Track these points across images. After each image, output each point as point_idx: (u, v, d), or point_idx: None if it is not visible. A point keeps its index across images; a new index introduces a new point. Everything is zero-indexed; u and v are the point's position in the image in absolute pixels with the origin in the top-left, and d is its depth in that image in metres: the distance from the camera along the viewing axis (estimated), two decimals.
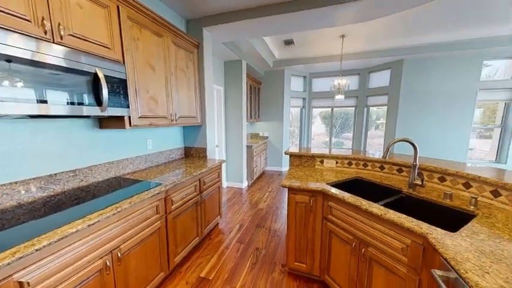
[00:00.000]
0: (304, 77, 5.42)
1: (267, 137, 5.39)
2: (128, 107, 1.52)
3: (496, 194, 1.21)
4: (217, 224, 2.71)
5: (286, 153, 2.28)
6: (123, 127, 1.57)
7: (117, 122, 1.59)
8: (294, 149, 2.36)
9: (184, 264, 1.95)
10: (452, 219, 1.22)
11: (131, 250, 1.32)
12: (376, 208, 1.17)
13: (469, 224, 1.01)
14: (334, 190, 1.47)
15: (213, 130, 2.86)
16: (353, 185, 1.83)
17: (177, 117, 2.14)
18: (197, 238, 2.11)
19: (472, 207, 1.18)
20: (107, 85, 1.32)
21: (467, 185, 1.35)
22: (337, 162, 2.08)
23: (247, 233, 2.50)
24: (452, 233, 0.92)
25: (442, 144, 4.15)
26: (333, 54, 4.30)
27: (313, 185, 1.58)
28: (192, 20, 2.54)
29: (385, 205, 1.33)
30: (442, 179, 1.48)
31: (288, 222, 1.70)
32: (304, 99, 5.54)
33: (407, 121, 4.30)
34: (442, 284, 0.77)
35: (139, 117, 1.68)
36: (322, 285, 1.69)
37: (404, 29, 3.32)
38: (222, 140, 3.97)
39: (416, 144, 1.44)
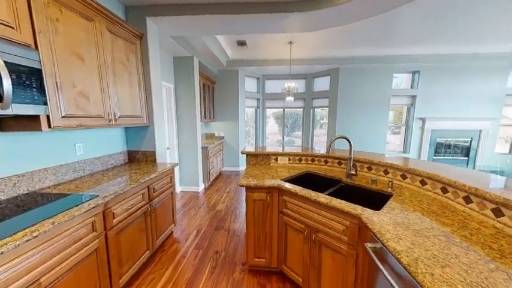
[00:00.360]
0: (258, 78, 5.61)
1: (223, 137, 5.32)
2: (46, 103, 1.22)
3: (404, 177, 1.57)
4: (172, 232, 2.51)
5: (242, 153, 2.31)
6: (39, 129, 1.25)
7: (29, 122, 1.26)
8: (250, 149, 2.41)
9: (133, 284, 1.72)
10: (378, 200, 1.50)
11: (58, 281, 1.07)
12: (323, 197, 1.33)
13: (387, 202, 1.27)
14: (288, 185, 1.59)
15: (163, 131, 2.62)
16: (304, 179, 2.02)
17: (116, 117, 1.85)
18: (148, 252, 1.89)
19: (390, 189, 1.49)
20: (10, 75, 1.02)
21: (386, 172, 1.69)
22: (289, 159, 2.24)
23: (206, 238, 2.41)
24: (377, 212, 1.14)
25: (368, 139, 5.06)
26: (282, 58, 4.62)
27: (269, 182, 1.66)
28: (132, 7, 2.25)
29: (330, 194, 1.52)
30: (369, 168, 1.81)
31: (247, 221, 1.73)
32: (258, 99, 5.73)
33: (344, 121, 5.04)
34: (372, 254, 0.94)
35: (64, 117, 1.37)
36: (280, 275, 1.80)
37: (340, 41, 3.88)
38: (174, 141, 3.68)
39: (351, 141, 1.71)
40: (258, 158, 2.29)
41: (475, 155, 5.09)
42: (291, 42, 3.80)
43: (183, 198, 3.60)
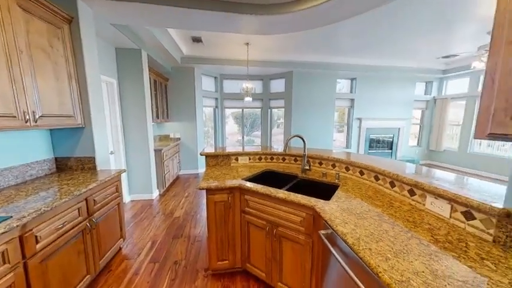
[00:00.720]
0: (215, 77, 5.48)
1: (179, 139, 4.98)
2: None
3: (347, 169, 1.82)
4: (120, 248, 2.19)
5: (201, 154, 2.21)
6: None
7: None
8: (210, 149, 2.34)
9: None
10: (328, 191, 1.69)
11: None
12: (282, 193, 1.41)
13: (336, 192, 1.44)
14: (249, 184, 1.61)
15: (105, 133, 2.26)
16: (264, 177, 2.09)
17: (37, 117, 1.49)
18: (88, 276, 1.60)
19: (337, 180, 1.70)
20: None
21: (333, 165, 1.92)
22: (250, 159, 2.28)
23: (163, 249, 2.20)
24: (328, 201, 1.28)
25: (319, 137, 5.64)
26: (240, 59, 4.65)
27: (230, 183, 1.65)
28: None
29: (288, 189, 1.62)
30: (320, 163, 2.02)
31: (209, 224, 1.67)
32: (216, 99, 5.61)
33: (298, 120, 5.47)
34: (325, 239, 1.06)
35: None
36: (244, 274, 1.81)
37: (292, 47, 4.17)
38: (120, 145, 3.22)
39: (304, 139, 1.87)
40: (218, 159, 2.24)
41: (396, 148, 6.34)
42: (247, 44, 3.86)
43: (133, 208, 3.20)
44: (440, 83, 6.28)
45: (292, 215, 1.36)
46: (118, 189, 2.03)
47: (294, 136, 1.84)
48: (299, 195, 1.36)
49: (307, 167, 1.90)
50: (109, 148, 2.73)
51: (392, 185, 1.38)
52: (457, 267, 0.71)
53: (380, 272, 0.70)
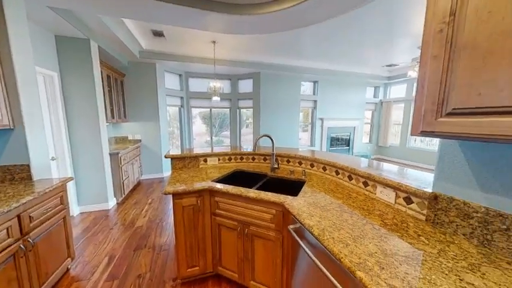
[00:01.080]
0: (180, 75, 5.19)
1: (140, 140, 4.56)
2: None
3: (312, 165, 1.95)
4: (68, 269, 1.89)
5: (166, 157, 2.07)
6: None
7: None
8: (176, 151, 2.20)
9: None
10: (296, 187, 1.78)
11: None
12: (252, 192, 1.42)
13: (302, 188, 1.53)
14: (219, 185, 1.58)
15: (43, 135, 1.91)
16: (234, 177, 2.07)
17: None
18: None
19: (303, 176, 1.80)
20: None
21: (300, 163, 2.03)
22: (219, 159, 2.23)
23: (122, 263, 1.98)
24: (296, 197, 1.35)
25: (286, 136, 5.89)
26: (206, 57, 4.51)
27: (199, 185, 1.58)
28: None
29: (258, 188, 1.64)
30: (288, 161, 2.11)
31: (176, 230, 1.57)
32: (182, 98, 5.32)
33: (266, 120, 5.60)
34: (293, 233, 1.11)
35: None
36: (216, 277, 1.77)
37: (259, 48, 4.25)
38: (65, 149, 2.77)
39: (273, 138, 1.92)
40: (185, 161, 2.13)
41: (352, 145, 7.09)
42: (214, 42, 3.77)
43: (84, 221, 2.79)
44: (385, 88, 7.27)
45: (263, 213, 1.38)
46: (63, 201, 1.74)
47: (263, 136, 1.88)
48: (269, 193, 1.39)
49: (276, 166, 1.97)
50: (50, 153, 2.32)
51: (350, 178, 1.54)
52: (401, 245, 0.83)
53: (342, 258, 0.77)
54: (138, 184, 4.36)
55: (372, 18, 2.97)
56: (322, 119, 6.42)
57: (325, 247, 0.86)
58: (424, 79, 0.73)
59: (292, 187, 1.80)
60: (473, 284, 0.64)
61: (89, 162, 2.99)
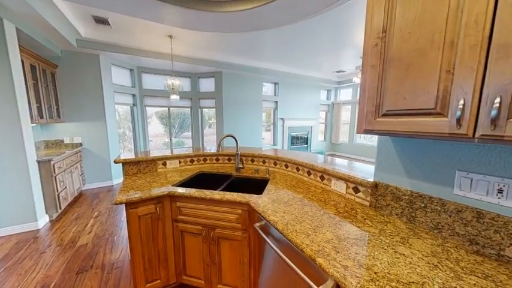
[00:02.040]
0: (131, 69, 4.66)
1: (81, 144, 3.89)
2: None
3: (275, 163, 2.03)
4: None
5: (116, 162, 1.83)
6: None
7: None
8: (128, 155, 1.97)
9: None
10: (261, 185, 1.82)
11: None
12: (217, 194, 1.39)
13: (267, 186, 1.58)
14: (181, 190, 1.48)
15: None
16: (197, 180, 1.98)
17: None
18: None
19: (267, 175, 1.86)
20: None
21: (264, 162, 2.09)
22: (180, 162, 2.10)
23: None
24: (260, 195, 1.38)
25: (250, 136, 5.98)
26: (162, 52, 4.17)
27: (158, 191, 1.46)
28: None
29: (223, 189, 1.62)
30: (252, 160, 2.15)
31: (132, 243, 1.41)
32: (134, 95, 4.78)
33: (230, 120, 5.55)
34: (259, 230, 1.14)
35: None
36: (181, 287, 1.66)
37: (220, 47, 4.17)
38: None
39: (236, 138, 1.92)
40: (140, 166, 1.92)
41: (310, 143, 7.71)
42: (171, 36, 3.52)
43: (2, 248, 2.21)
44: (336, 91, 8.17)
45: (229, 213, 1.37)
46: None
47: (227, 136, 1.86)
48: (234, 194, 1.39)
49: (241, 165, 1.97)
50: None
51: (309, 173, 1.67)
52: (352, 229, 0.95)
53: (304, 248, 0.83)
54: (80, 195, 3.71)
55: (323, 28, 3.29)
56: (283, 119, 6.75)
57: (289, 240, 0.91)
58: (365, 85, 0.85)
59: (257, 186, 1.84)
60: (403, 254, 0.78)
61: (6, 173, 2.38)
